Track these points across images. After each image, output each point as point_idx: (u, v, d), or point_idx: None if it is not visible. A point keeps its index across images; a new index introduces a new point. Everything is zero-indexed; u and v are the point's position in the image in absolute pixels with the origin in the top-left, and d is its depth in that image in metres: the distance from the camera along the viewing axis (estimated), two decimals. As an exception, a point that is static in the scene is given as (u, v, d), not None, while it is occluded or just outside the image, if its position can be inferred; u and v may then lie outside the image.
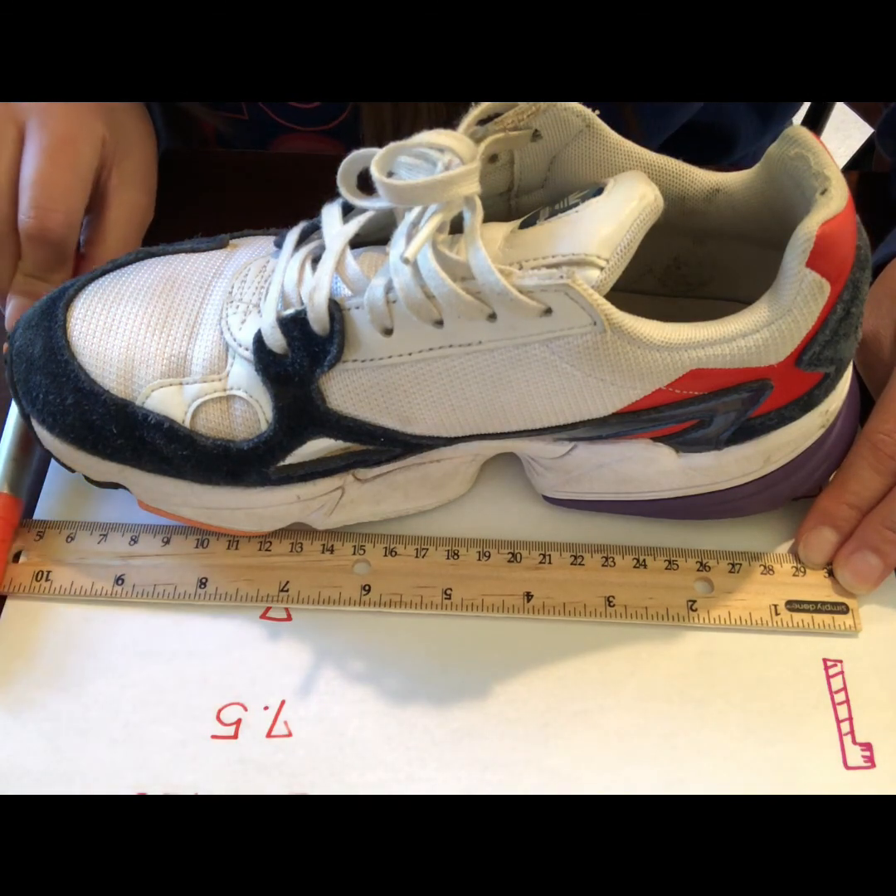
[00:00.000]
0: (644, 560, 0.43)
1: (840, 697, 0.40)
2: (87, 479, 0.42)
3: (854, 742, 0.39)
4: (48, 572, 0.42)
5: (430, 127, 0.33)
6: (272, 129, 0.62)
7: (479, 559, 0.43)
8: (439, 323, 0.34)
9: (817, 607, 0.42)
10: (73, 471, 0.41)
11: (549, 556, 0.43)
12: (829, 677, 0.41)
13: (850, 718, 0.40)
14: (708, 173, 0.37)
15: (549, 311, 0.32)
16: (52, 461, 0.45)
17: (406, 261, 0.32)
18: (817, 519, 0.42)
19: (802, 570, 0.43)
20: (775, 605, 0.42)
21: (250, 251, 0.41)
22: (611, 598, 0.42)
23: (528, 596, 0.42)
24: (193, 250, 0.42)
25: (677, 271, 0.41)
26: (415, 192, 0.31)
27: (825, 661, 0.41)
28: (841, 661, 0.41)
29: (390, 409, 0.37)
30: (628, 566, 0.43)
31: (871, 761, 0.39)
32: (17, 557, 0.42)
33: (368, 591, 0.42)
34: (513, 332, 0.33)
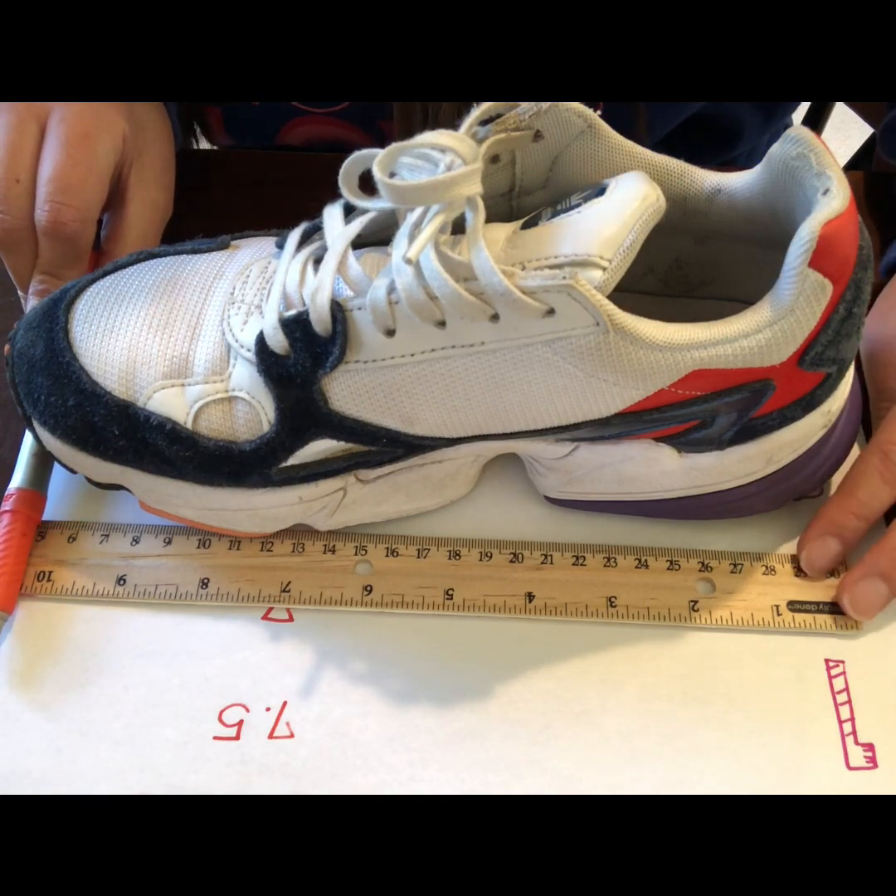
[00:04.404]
0: (646, 560, 0.43)
1: (842, 698, 0.40)
2: (89, 480, 0.42)
3: (856, 742, 0.39)
4: (50, 573, 0.42)
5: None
6: (283, 113, 0.62)
7: (481, 559, 0.43)
8: (442, 324, 0.34)
9: (819, 607, 0.42)
10: (74, 472, 0.41)
11: (551, 556, 0.43)
12: (831, 678, 0.41)
13: (852, 719, 0.40)
14: (709, 173, 0.37)
15: (551, 311, 0.32)
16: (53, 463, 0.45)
17: (408, 261, 0.32)
18: (822, 528, 0.42)
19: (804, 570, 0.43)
20: (777, 606, 0.42)
21: (252, 252, 0.40)
22: (612, 599, 0.42)
23: (530, 596, 0.42)
24: (195, 251, 0.41)
25: (679, 271, 0.41)
26: (417, 193, 0.31)
27: (827, 661, 0.41)
28: (843, 662, 0.41)
29: (393, 410, 0.37)
30: (630, 566, 0.43)
31: (873, 762, 0.39)
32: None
33: (370, 591, 0.42)
34: (515, 332, 0.33)
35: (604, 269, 0.32)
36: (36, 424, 0.40)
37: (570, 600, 0.42)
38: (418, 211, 0.33)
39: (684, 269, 0.41)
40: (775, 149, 0.35)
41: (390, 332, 0.34)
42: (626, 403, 0.35)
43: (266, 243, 0.41)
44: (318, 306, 0.35)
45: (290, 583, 0.42)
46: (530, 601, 0.42)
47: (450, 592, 0.42)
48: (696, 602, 0.42)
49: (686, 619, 0.42)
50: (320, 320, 0.35)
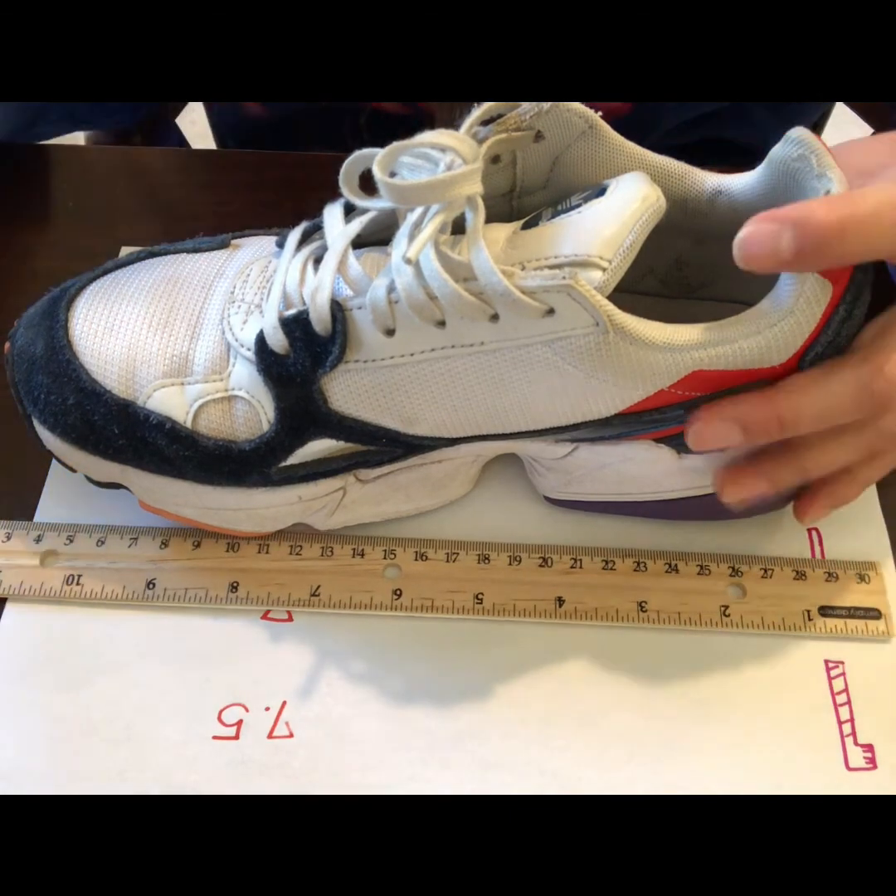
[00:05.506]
0: (676, 565, 0.43)
1: (842, 699, 0.40)
2: (88, 479, 0.42)
3: (855, 743, 0.39)
4: (79, 576, 0.42)
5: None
6: None
7: (510, 563, 0.43)
8: (441, 324, 0.34)
9: (850, 613, 0.42)
10: (74, 471, 0.41)
11: (581, 560, 0.43)
12: (830, 678, 0.41)
13: (852, 719, 0.40)
14: (710, 175, 0.37)
15: (551, 311, 0.32)
16: (53, 462, 0.45)
17: (408, 261, 0.32)
18: (728, 412, 0.36)
19: (835, 575, 0.42)
20: (808, 611, 0.42)
21: (252, 251, 0.40)
22: (643, 603, 0.42)
23: (560, 601, 0.42)
24: (195, 250, 0.41)
25: (679, 272, 0.41)
26: (417, 192, 0.31)
27: (827, 662, 0.41)
28: (843, 663, 0.41)
29: (392, 410, 0.37)
30: (660, 571, 0.42)
31: (872, 763, 0.39)
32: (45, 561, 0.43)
33: (400, 595, 0.42)
34: (515, 332, 0.33)
35: (604, 269, 0.32)
36: (36, 423, 0.40)
37: (600, 605, 0.42)
38: (418, 211, 0.33)
39: (684, 271, 0.41)
40: (776, 150, 0.35)
41: (390, 332, 0.34)
42: (625, 404, 0.35)
43: (266, 242, 0.41)
44: (318, 306, 0.35)
45: (319, 586, 0.42)
46: (560, 606, 0.42)
47: (479, 597, 0.42)
48: (727, 607, 0.42)
49: (717, 623, 0.41)
50: (320, 319, 0.35)
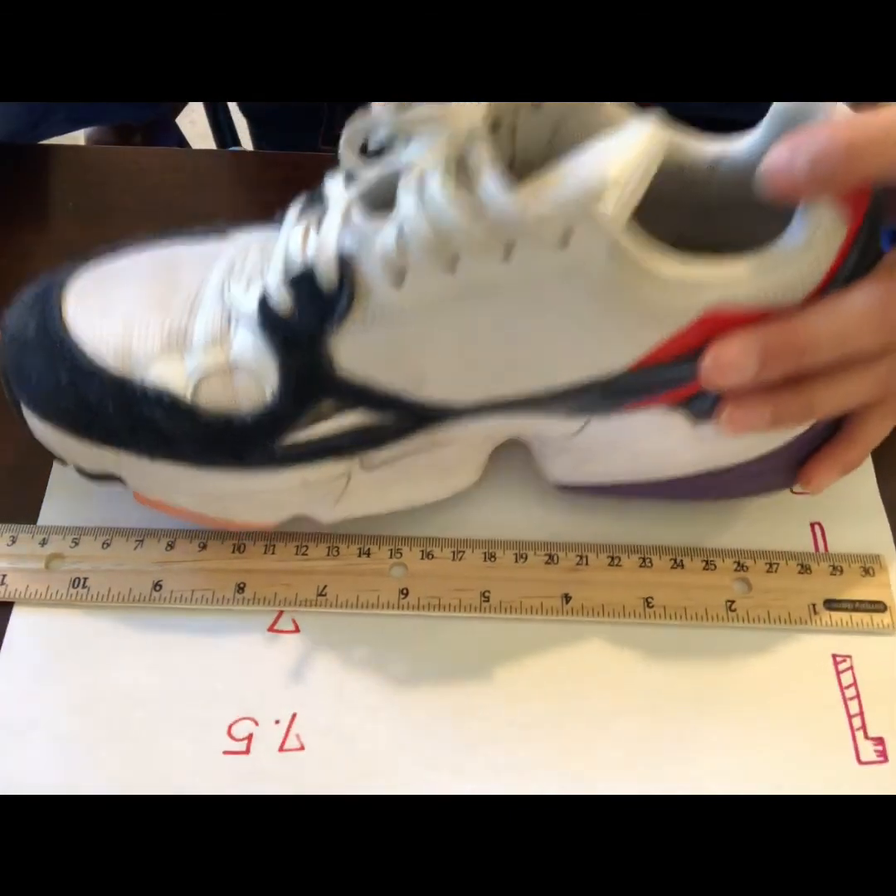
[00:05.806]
0: (681, 560, 0.42)
1: (851, 692, 0.40)
2: (80, 471, 0.40)
3: (866, 737, 0.39)
4: (85, 579, 0.41)
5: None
6: None
7: (516, 561, 0.42)
8: (452, 266, 0.32)
9: (855, 606, 0.41)
10: (65, 463, 0.40)
11: (586, 557, 0.42)
12: (838, 673, 0.40)
13: (861, 713, 0.40)
14: (709, 142, 0.37)
15: (565, 241, 0.31)
16: (54, 467, 0.44)
17: (417, 191, 0.31)
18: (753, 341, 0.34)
19: (840, 569, 0.42)
20: (813, 604, 0.41)
21: (251, 236, 0.40)
22: (649, 599, 0.41)
23: (567, 598, 0.41)
24: (192, 237, 0.41)
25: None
26: (420, 120, 0.31)
27: (834, 656, 0.41)
28: (850, 656, 0.41)
29: (402, 368, 0.35)
30: (666, 566, 0.42)
31: (883, 755, 0.39)
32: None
33: (407, 594, 0.41)
34: (529, 269, 0.32)
35: (615, 200, 0.31)
36: (25, 410, 0.39)
37: (606, 601, 0.41)
38: (422, 156, 0.32)
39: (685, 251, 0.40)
40: (779, 104, 0.35)
41: (399, 281, 0.33)
42: (641, 349, 0.34)
43: (265, 230, 0.40)
44: (323, 260, 0.34)
45: (326, 586, 0.41)
46: (567, 603, 0.41)
47: (486, 595, 0.41)
48: (732, 602, 0.41)
49: (723, 618, 0.41)
50: (326, 273, 0.34)
